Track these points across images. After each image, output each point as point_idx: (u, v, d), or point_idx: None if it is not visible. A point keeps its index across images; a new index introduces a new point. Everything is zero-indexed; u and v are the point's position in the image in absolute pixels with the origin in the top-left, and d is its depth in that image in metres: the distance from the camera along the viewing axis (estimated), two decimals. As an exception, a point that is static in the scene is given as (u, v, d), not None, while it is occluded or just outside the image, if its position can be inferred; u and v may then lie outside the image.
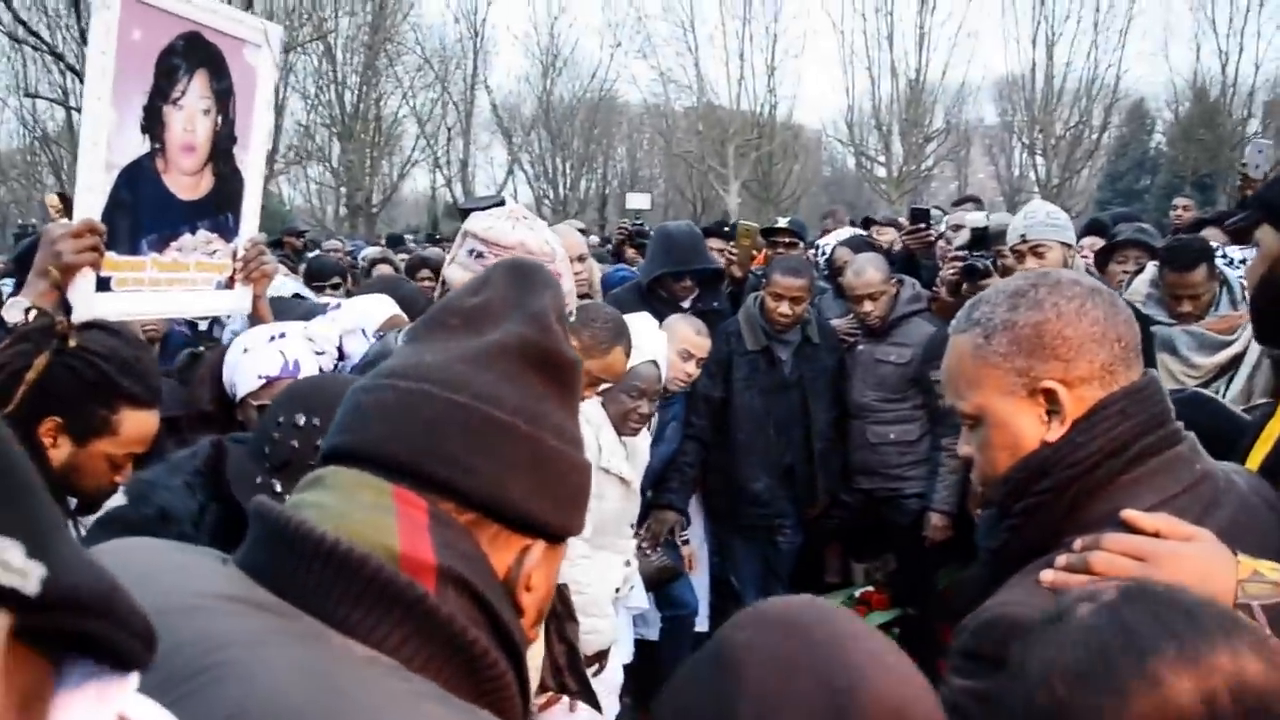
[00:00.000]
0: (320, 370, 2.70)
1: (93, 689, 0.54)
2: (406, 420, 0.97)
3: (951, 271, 4.68)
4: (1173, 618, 1.00)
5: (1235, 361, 3.86)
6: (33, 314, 2.14)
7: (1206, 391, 3.37)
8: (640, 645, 4.07)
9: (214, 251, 2.79)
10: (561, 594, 2.21)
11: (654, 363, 3.47)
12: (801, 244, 6.67)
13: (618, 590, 3.29)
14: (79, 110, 2.59)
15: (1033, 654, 1.06)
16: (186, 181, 2.65)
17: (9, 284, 5.48)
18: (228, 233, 2.83)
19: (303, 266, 7.29)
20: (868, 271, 4.87)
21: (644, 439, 3.66)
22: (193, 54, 2.58)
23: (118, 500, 2.14)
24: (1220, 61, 32.30)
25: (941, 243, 5.96)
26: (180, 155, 2.61)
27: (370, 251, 10.12)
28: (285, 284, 5.07)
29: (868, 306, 4.84)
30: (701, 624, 4.68)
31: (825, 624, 0.95)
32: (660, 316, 4.00)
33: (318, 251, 10.58)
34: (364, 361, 2.77)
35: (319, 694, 0.81)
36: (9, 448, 0.51)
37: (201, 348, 3.39)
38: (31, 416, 2.03)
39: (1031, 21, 33.24)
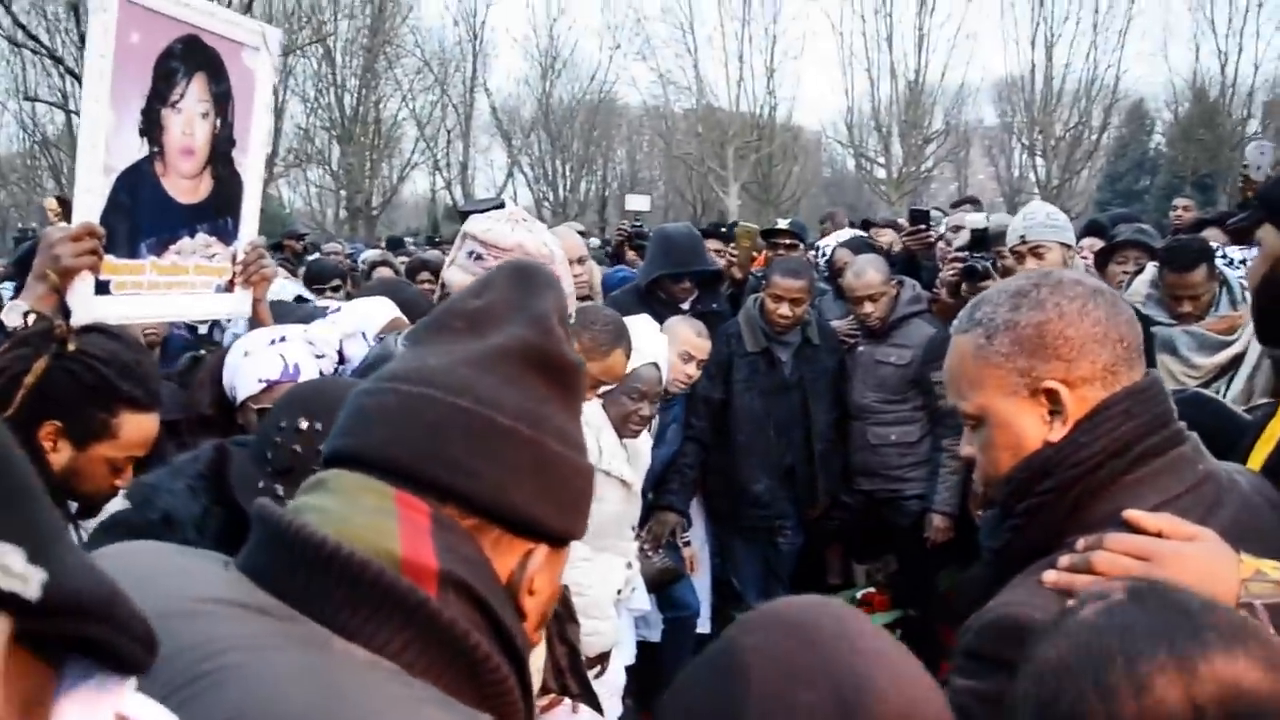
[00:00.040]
0: (321, 374, 2.69)
1: (92, 689, 0.54)
2: (409, 424, 0.97)
3: (951, 273, 4.68)
4: (1172, 621, 0.99)
5: (1235, 362, 3.86)
6: (32, 318, 2.14)
7: (1207, 392, 3.37)
8: (642, 647, 4.06)
9: (213, 255, 2.79)
10: (562, 596, 2.20)
11: (655, 365, 3.47)
12: (801, 245, 6.67)
13: (619, 592, 3.29)
14: (78, 114, 2.59)
15: (1033, 653, 1.06)
16: (185, 185, 2.65)
17: (9, 288, 5.49)
18: (227, 236, 2.83)
19: (302, 269, 7.29)
20: (868, 273, 4.87)
21: (645, 441, 3.65)
22: (191, 57, 2.58)
23: (119, 504, 2.14)
24: (1220, 62, 32.35)
25: (941, 244, 5.96)
26: (179, 158, 2.61)
27: (370, 254, 10.12)
28: (286, 287, 5.07)
29: (868, 308, 4.84)
30: (703, 625, 4.67)
31: (834, 627, 0.94)
32: (659, 318, 3.99)
33: (317, 254, 10.58)
34: (364, 364, 2.77)
35: (319, 698, 0.81)
36: (9, 452, 0.51)
37: (202, 351, 3.39)
38: (31, 420, 2.03)
39: (1030, 22, 33.25)
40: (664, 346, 3.65)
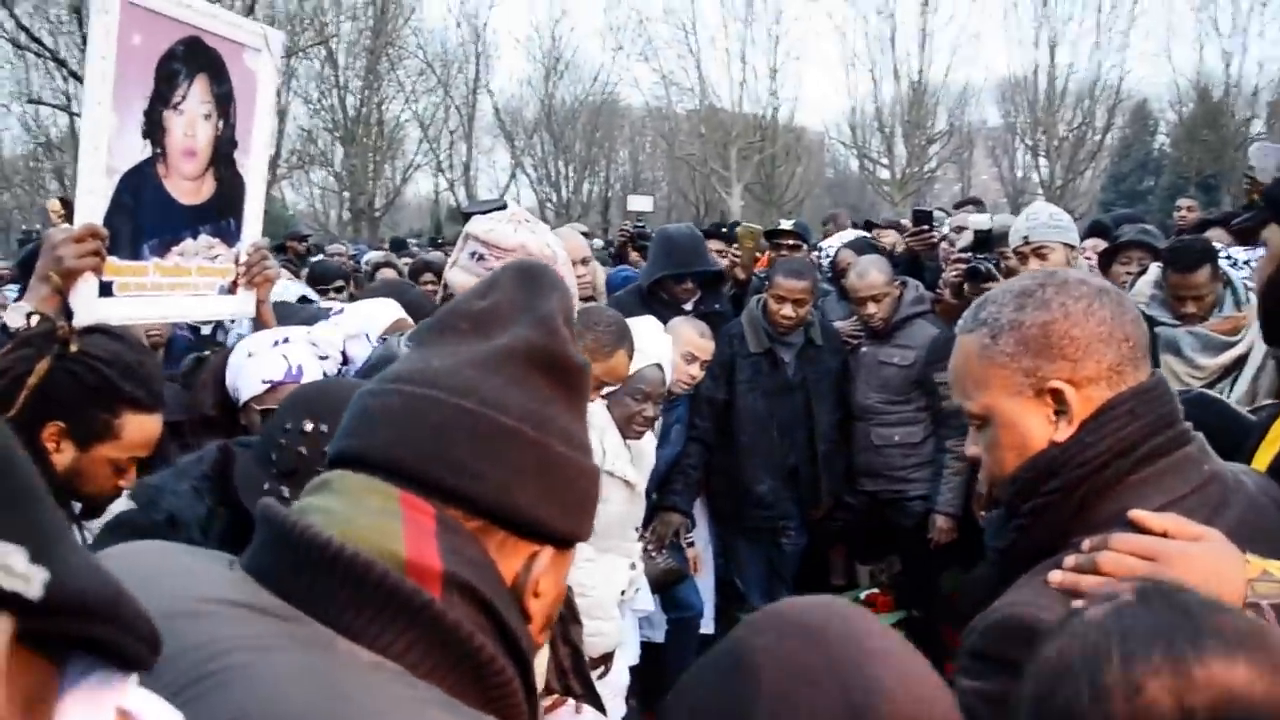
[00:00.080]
0: (324, 375, 2.70)
1: (95, 686, 0.55)
2: (413, 425, 0.97)
3: (955, 274, 4.68)
4: (1175, 623, 0.99)
5: (1239, 362, 3.86)
6: (34, 319, 2.14)
7: (1212, 393, 3.36)
8: (645, 647, 4.07)
9: (216, 256, 2.79)
10: (565, 597, 2.20)
11: (658, 366, 3.47)
12: (805, 246, 6.67)
13: (623, 593, 3.29)
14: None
15: (1038, 652, 1.06)
16: (188, 186, 2.65)
17: (13, 290, 5.50)
18: (230, 237, 2.83)
19: (305, 271, 7.30)
20: (871, 273, 4.87)
21: (649, 442, 3.65)
22: (193, 59, 2.58)
23: (123, 504, 2.14)
24: (1224, 62, 32.30)
25: (944, 245, 5.95)
26: (181, 160, 2.61)
27: (373, 255, 10.14)
28: (289, 288, 5.08)
29: (871, 308, 4.84)
30: (707, 626, 4.67)
31: (842, 627, 0.93)
32: (662, 319, 3.99)
33: (321, 256, 10.59)
34: (367, 365, 2.77)
35: (323, 699, 0.81)
36: (12, 453, 0.51)
37: (206, 352, 3.39)
38: (34, 421, 2.03)
39: (1034, 23, 33.23)
40: (668, 347, 3.65)
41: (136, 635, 0.56)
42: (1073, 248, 4.23)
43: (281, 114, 27.62)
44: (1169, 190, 31.40)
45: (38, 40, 22.75)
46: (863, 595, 5.35)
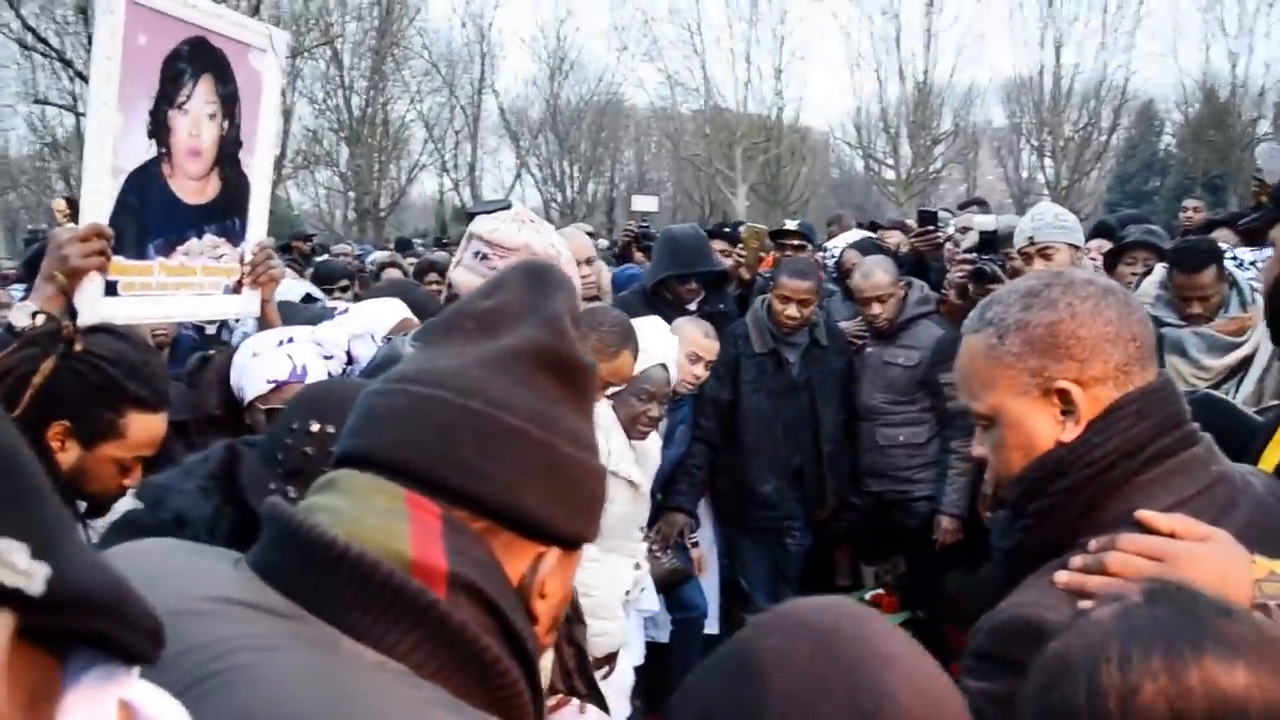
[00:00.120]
0: (329, 374, 2.70)
1: (97, 680, 0.55)
2: (420, 426, 0.96)
3: (960, 274, 4.67)
4: (1177, 626, 0.99)
5: (1245, 363, 3.84)
6: (40, 318, 2.14)
7: (1218, 393, 3.35)
8: (650, 648, 4.07)
9: (221, 256, 2.79)
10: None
11: (663, 366, 3.47)
12: (810, 246, 6.66)
13: (627, 593, 3.29)
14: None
15: (1044, 648, 1.06)
16: (193, 186, 2.65)
17: (19, 289, 5.50)
18: (234, 237, 2.83)
19: (310, 270, 7.32)
20: (876, 274, 4.86)
21: (654, 442, 3.65)
22: (198, 59, 2.58)
23: (129, 503, 2.14)
24: (1230, 62, 32.25)
25: (949, 245, 5.95)
26: (186, 160, 2.61)
27: (378, 255, 10.16)
28: (293, 286, 5.08)
29: (876, 309, 4.83)
30: (711, 626, 4.68)
31: (852, 629, 0.93)
32: (666, 319, 3.99)
33: (326, 256, 10.61)
34: (372, 365, 2.77)
35: (327, 699, 0.81)
36: (17, 451, 0.51)
37: (211, 351, 3.39)
38: (39, 420, 2.03)
39: (1039, 23, 33.19)
40: (673, 347, 3.65)
41: (140, 630, 0.56)
42: (1078, 248, 4.22)
43: (287, 114, 27.65)
44: (1175, 191, 31.34)
45: (44, 40, 22.81)
46: (867, 596, 5.34)
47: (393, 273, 7.41)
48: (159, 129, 2.50)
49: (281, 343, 2.68)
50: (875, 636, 0.93)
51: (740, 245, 5.86)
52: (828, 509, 5.01)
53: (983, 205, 7.80)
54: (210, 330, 4.69)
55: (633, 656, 3.55)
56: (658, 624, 4.27)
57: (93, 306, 2.33)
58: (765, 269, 5.99)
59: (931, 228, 5.54)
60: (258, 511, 1.00)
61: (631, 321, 3.21)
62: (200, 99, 2.61)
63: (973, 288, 4.43)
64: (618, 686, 3.15)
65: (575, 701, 2.10)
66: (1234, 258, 4.36)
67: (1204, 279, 3.99)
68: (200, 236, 2.71)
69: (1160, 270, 4.29)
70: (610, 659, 3.12)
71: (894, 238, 7.34)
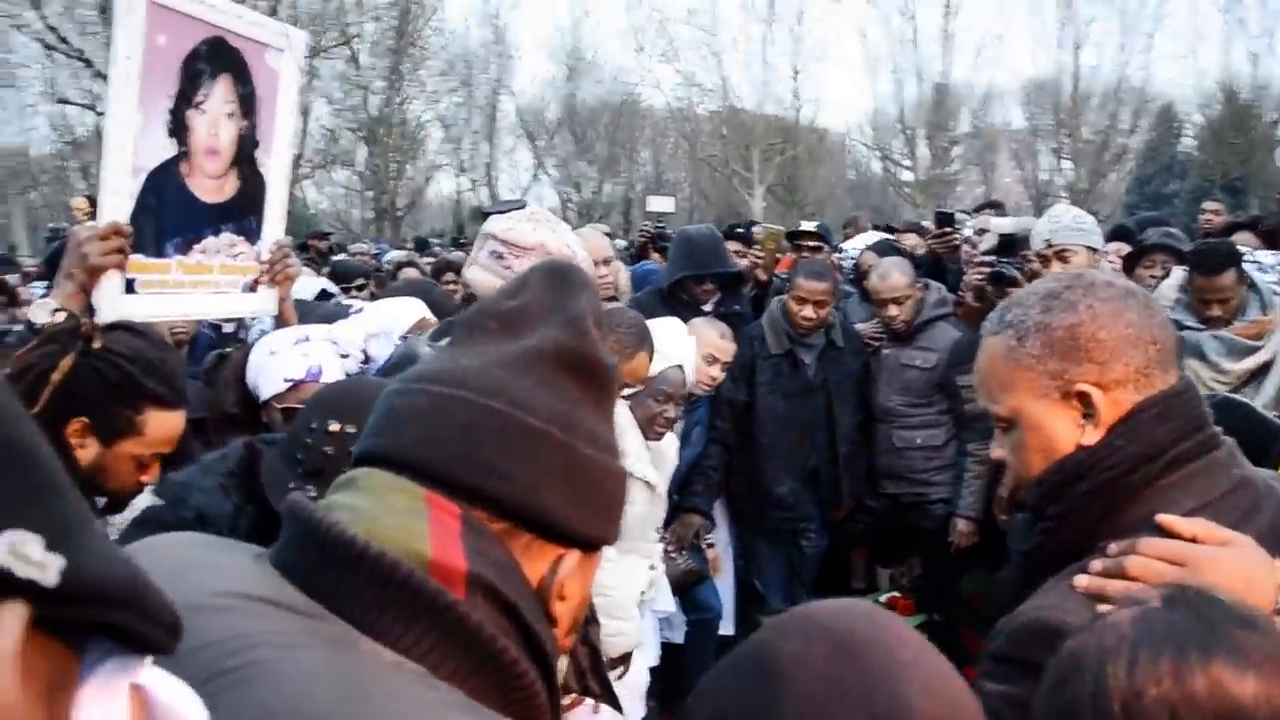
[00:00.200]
0: (346, 373, 2.70)
1: (112, 670, 0.55)
2: (441, 426, 0.96)
3: (977, 277, 4.65)
4: (1191, 633, 0.99)
5: (1265, 367, 3.82)
6: (60, 315, 2.16)
7: (1238, 397, 3.33)
8: (665, 648, 4.06)
9: (238, 254, 2.80)
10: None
11: (679, 367, 3.47)
12: (826, 248, 6.65)
13: (643, 593, 3.29)
14: (108, 115, 2.63)
15: (1062, 646, 1.06)
16: (211, 185, 2.66)
17: (40, 287, 5.54)
18: (252, 235, 2.84)
19: (326, 269, 7.34)
20: (893, 275, 4.85)
21: (670, 443, 3.65)
22: (216, 59, 2.59)
23: (147, 500, 2.15)
24: (1251, 63, 32.01)
25: (966, 247, 5.92)
26: (204, 159, 2.62)
27: (396, 255, 10.19)
28: (308, 283, 5.10)
29: (893, 310, 4.82)
30: (726, 627, 4.67)
31: (870, 633, 0.92)
32: (682, 320, 3.99)
33: (344, 255, 10.65)
34: (389, 364, 2.78)
35: (344, 699, 0.81)
36: (35, 446, 0.51)
37: (229, 349, 3.41)
38: (58, 417, 2.04)
39: (1058, 24, 33.02)
40: (689, 348, 3.65)
41: (157, 623, 0.56)
42: (1096, 251, 4.19)
43: (304, 114, 27.75)
44: (1194, 193, 31.08)
45: (65, 41, 22.96)
46: (883, 598, 5.33)
47: (410, 272, 7.43)
48: (178, 128, 2.52)
49: (298, 341, 2.69)
50: (892, 640, 0.92)
51: (757, 246, 5.85)
52: (843, 511, 5.00)
53: (998, 207, 7.75)
54: (227, 328, 4.70)
55: (648, 657, 3.55)
56: (673, 625, 4.26)
57: (112, 304, 2.35)
58: (782, 270, 5.99)
59: (949, 229, 5.52)
60: (278, 510, 1.00)
61: (648, 322, 3.21)
62: (218, 98, 2.62)
63: (991, 290, 4.40)
64: (633, 687, 3.15)
65: (589, 701, 2.09)
66: (1254, 260, 4.33)
67: (1223, 282, 3.97)
68: (218, 235, 2.72)
69: (1179, 273, 4.27)
70: (625, 659, 3.12)
71: (909, 240, 7.31)
